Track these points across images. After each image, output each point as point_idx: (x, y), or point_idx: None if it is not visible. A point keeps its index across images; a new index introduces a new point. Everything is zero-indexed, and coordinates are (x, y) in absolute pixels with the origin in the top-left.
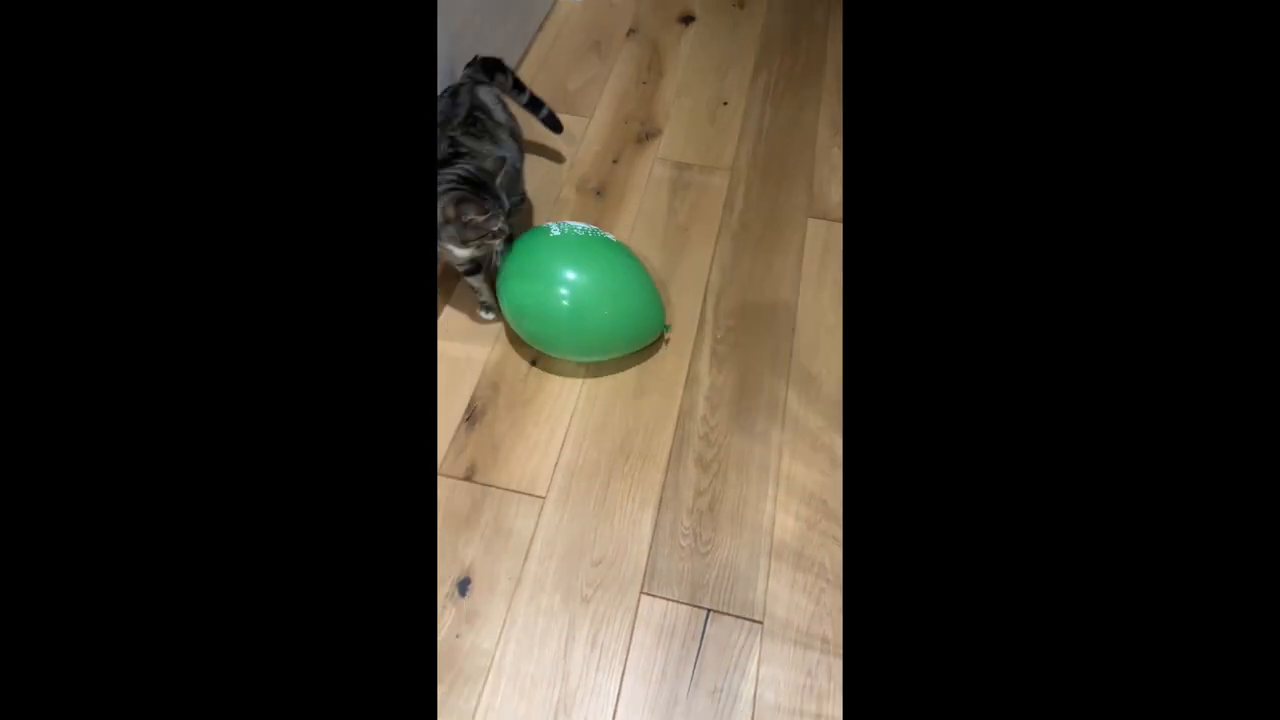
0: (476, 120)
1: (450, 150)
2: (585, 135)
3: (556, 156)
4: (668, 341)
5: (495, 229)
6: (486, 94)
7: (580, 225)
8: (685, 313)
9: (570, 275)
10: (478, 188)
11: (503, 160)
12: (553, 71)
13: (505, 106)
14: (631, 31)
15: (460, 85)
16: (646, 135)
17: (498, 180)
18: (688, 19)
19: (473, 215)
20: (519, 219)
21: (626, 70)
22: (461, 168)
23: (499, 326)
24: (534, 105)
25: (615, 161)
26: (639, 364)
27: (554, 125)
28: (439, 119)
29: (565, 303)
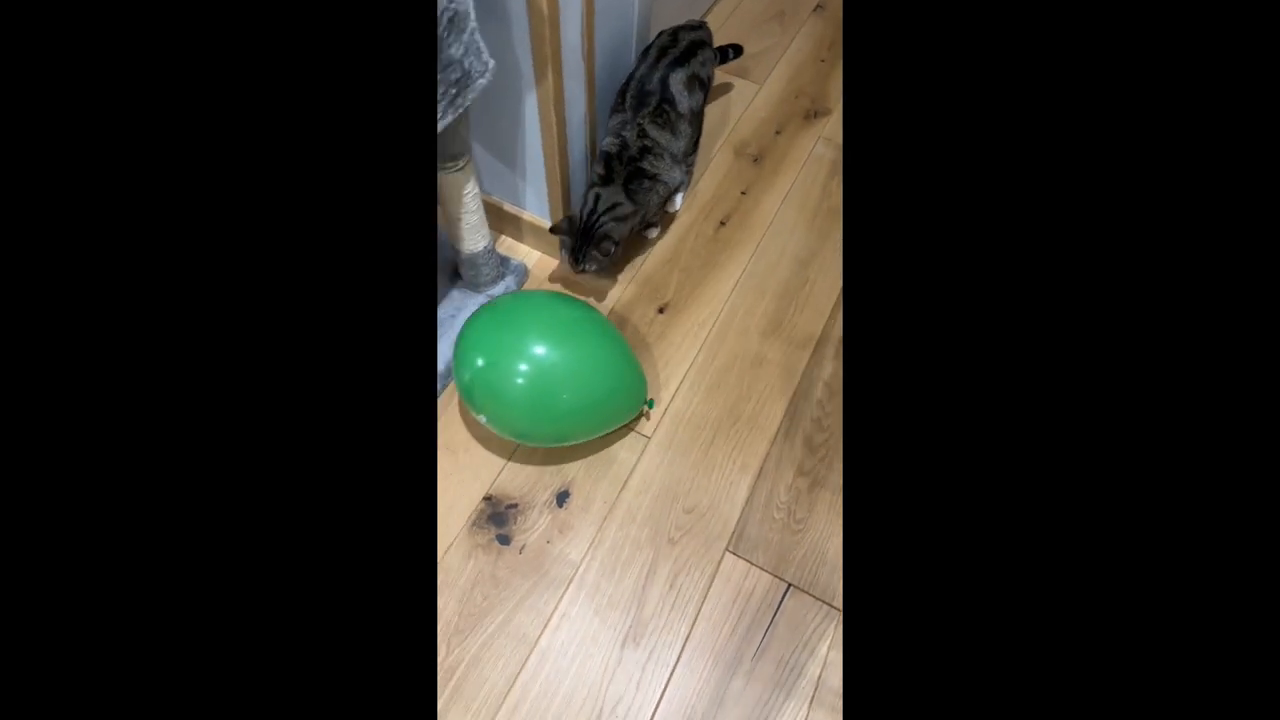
0: (664, 112)
1: (640, 143)
2: (753, 102)
3: (720, 116)
4: (647, 417)
5: (594, 265)
6: (677, 84)
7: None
8: (821, 295)
9: (534, 350)
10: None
11: (667, 186)
12: (731, 35)
13: (689, 92)
14: (819, 7)
15: (655, 64)
16: (815, 113)
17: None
18: None
19: (607, 243)
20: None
21: (806, 45)
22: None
23: (633, 269)
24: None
25: (778, 133)
26: (763, 334)
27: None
28: (628, 102)
29: (521, 381)
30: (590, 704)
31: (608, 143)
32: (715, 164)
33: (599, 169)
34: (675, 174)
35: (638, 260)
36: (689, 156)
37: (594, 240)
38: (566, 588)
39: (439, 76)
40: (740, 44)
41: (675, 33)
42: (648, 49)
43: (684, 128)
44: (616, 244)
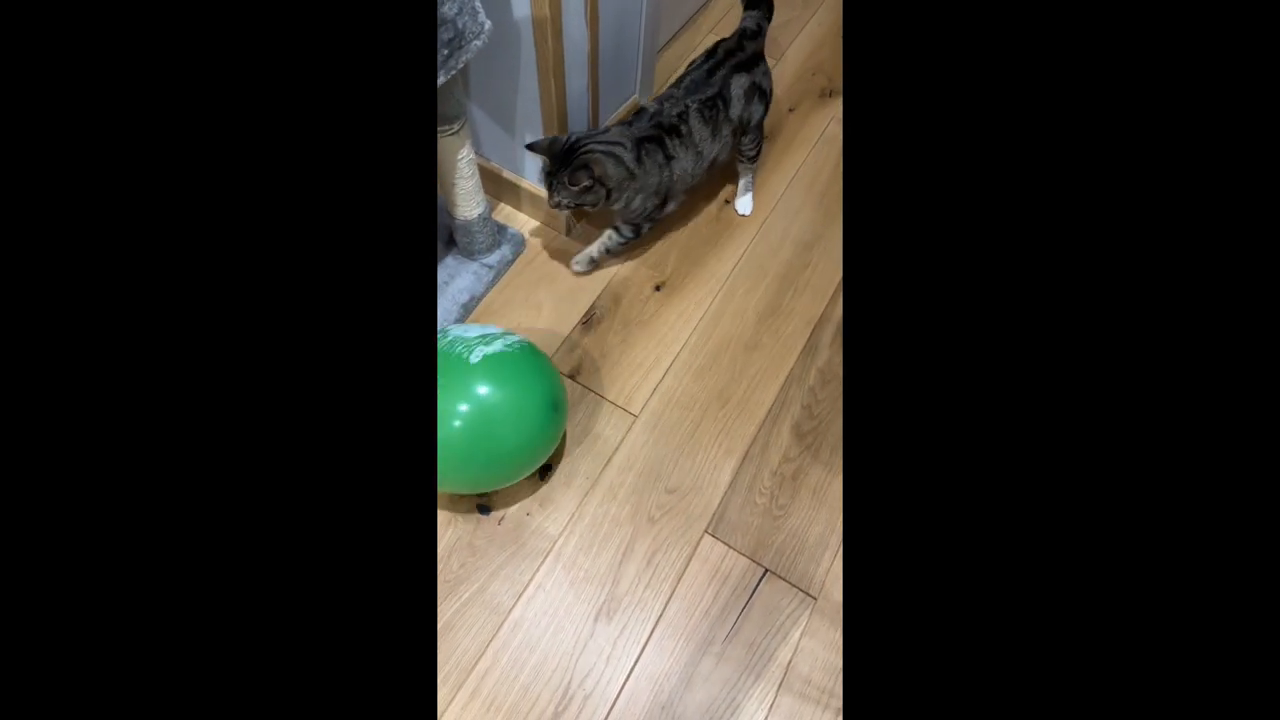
0: (716, 106)
1: (674, 120)
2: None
3: None
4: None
5: (564, 198)
6: (738, 87)
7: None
8: (823, 279)
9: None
10: (623, 162)
11: (681, 172)
12: None
13: (747, 100)
14: None
15: (721, 64)
16: (830, 92)
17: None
18: None
19: (583, 178)
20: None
21: (828, 20)
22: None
23: (631, 245)
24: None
25: (791, 110)
26: (760, 317)
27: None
28: (684, 86)
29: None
30: (560, 675)
31: (648, 101)
32: None
33: (629, 118)
34: (687, 172)
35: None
36: (716, 164)
37: (572, 166)
38: (543, 560)
39: None
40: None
41: (740, 38)
42: (713, 49)
43: (726, 133)
44: (594, 182)
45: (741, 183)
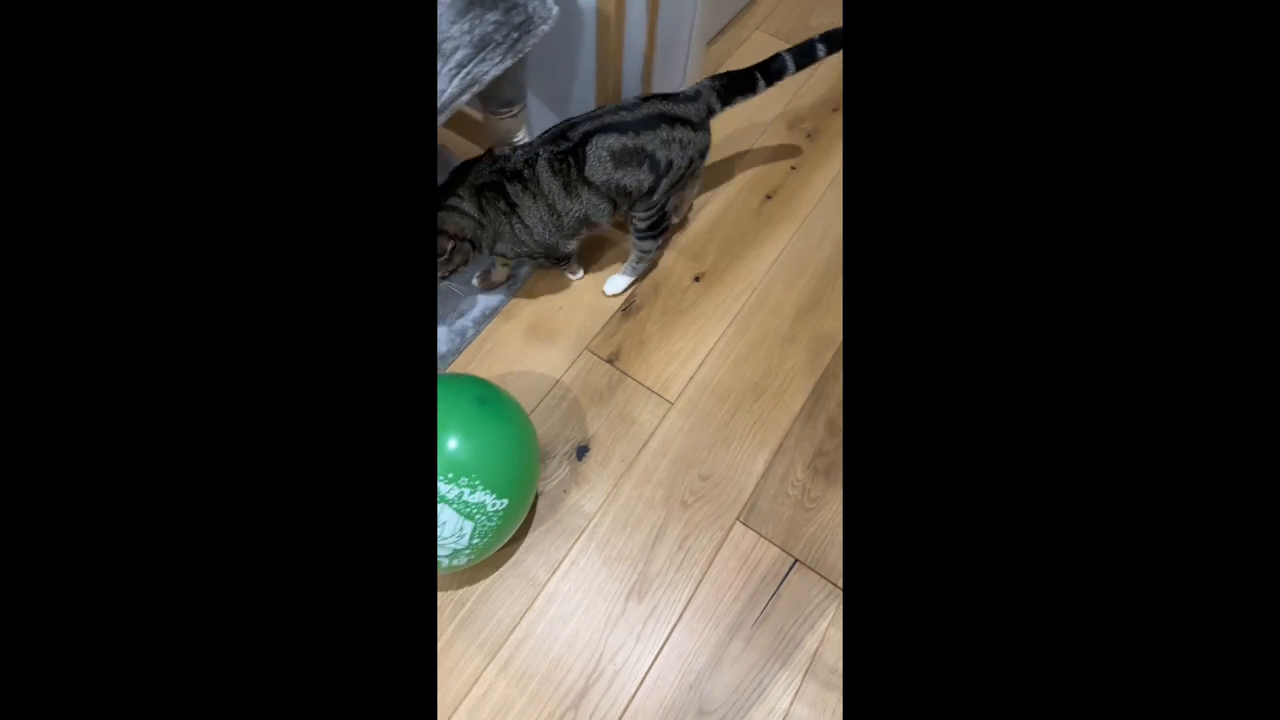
0: (566, 162)
1: (519, 166)
2: (813, 75)
3: (778, 88)
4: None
5: (443, 270)
6: (603, 146)
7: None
8: None
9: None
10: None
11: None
12: (795, 5)
13: (618, 165)
14: None
15: (599, 119)
16: None
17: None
18: None
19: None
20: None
21: None
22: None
23: (675, 237)
24: (806, 57)
25: (835, 110)
26: (798, 313)
27: (830, 45)
28: (550, 132)
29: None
30: (590, 649)
31: (506, 147)
32: (767, 135)
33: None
34: (547, 236)
35: (678, 226)
36: (583, 231)
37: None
38: (578, 538)
39: (501, 18)
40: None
41: (667, 96)
42: (649, 98)
43: (590, 197)
44: (455, 241)
45: (629, 260)
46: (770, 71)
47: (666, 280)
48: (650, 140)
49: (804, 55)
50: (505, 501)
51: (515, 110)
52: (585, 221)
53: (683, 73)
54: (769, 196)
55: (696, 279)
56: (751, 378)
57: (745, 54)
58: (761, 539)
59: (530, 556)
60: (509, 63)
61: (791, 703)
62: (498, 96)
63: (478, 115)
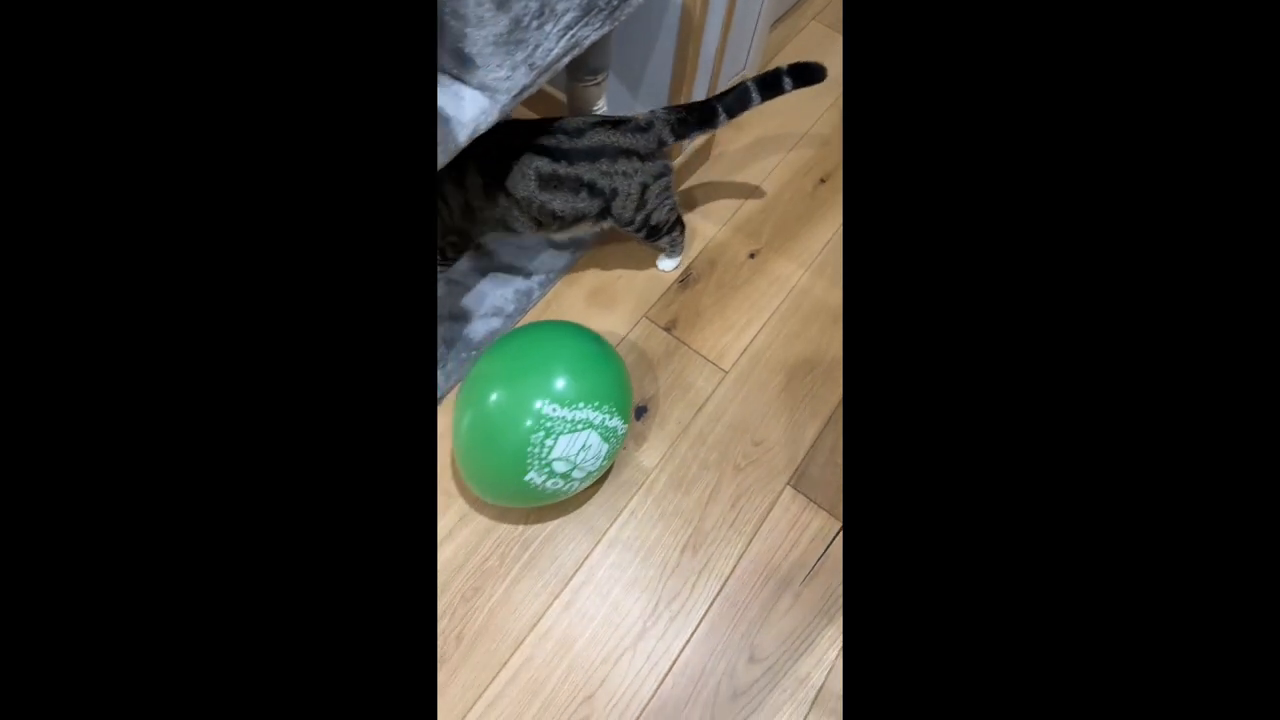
0: (493, 172)
1: (462, 161)
2: None
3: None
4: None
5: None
6: (529, 166)
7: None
8: None
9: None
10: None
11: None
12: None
13: (543, 186)
14: None
15: (536, 134)
16: None
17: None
18: None
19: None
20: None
21: None
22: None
23: (730, 210)
24: (771, 89)
25: None
26: None
27: (811, 76)
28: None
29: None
30: (648, 595)
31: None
32: (825, 120)
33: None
34: (458, 216)
35: (735, 204)
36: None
37: None
38: (636, 491)
39: None
40: (823, 66)
41: (617, 124)
42: (613, 121)
43: (510, 207)
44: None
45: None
46: (733, 103)
47: (722, 255)
48: (588, 171)
49: (769, 87)
50: (626, 426)
51: (599, 79)
52: (502, 224)
53: (746, 55)
54: (823, 180)
55: (751, 255)
56: (803, 353)
57: (801, 43)
58: (811, 503)
59: (591, 506)
60: (607, 28)
61: (838, 656)
62: (587, 64)
63: (553, 90)
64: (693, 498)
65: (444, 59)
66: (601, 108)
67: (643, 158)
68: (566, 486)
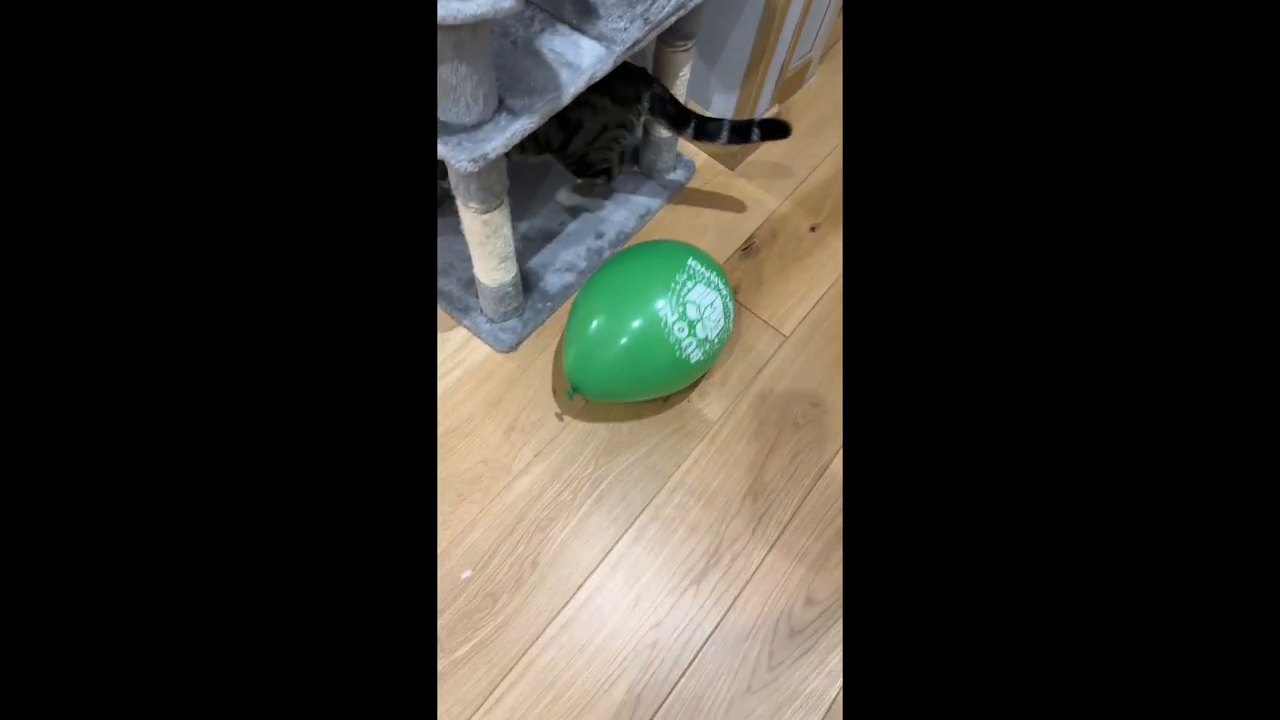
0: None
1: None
2: None
3: None
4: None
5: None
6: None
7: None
8: None
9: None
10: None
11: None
12: None
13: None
14: None
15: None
16: None
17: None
18: None
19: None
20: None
21: None
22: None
23: (793, 184)
24: (740, 135)
25: None
26: None
27: (777, 132)
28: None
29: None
30: (711, 537)
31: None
32: None
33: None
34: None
35: (797, 180)
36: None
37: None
38: (700, 441)
39: None
40: (789, 125)
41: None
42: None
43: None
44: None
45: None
46: (703, 127)
47: (784, 227)
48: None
49: (739, 133)
50: (729, 328)
51: (689, 45)
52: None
53: (816, 33)
54: None
55: (812, 229)
56: None
57: None
58: None
59: (657, 453)
60: None
61: None
62: (681, 28)
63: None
64: (753, 451)
65: (566, 10)
66: (685, 75)
67: (614, 99)
68: (684, 340)
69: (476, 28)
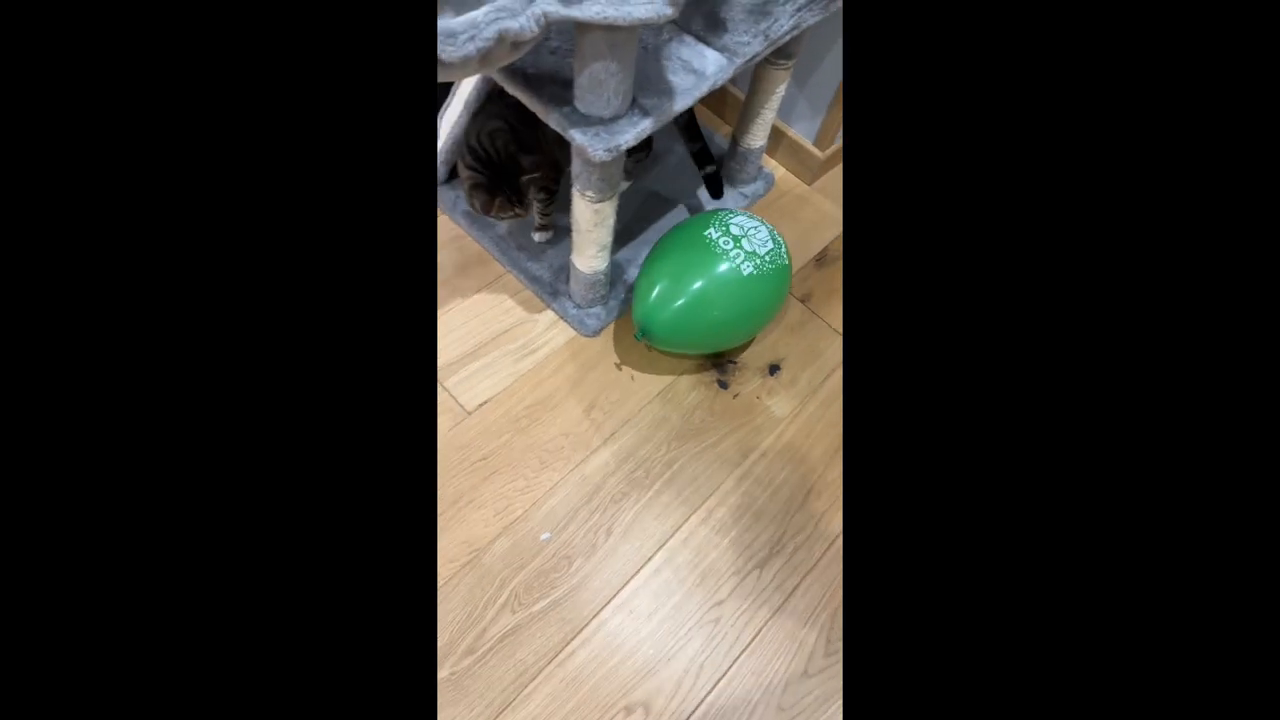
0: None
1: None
2: None
3: None
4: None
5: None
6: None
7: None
8: None
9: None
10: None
11: None
12: None
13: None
14: None
15: None
16: None
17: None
18: None
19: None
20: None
21: None
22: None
23: None
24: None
25: None
26: None
27: (712, 187)
28: None
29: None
30: (775, 527)
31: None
32: None
33: None
34: None
35: None
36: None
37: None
38: (767, 436)
39: None
40: (722, 187)
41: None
42: None
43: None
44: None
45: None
46: (702, 154)
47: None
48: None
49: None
50: (784, 262)
51: (789, 64)
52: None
53: None
54: None
55: None
56: None
57: None
58: None
59: (726, 442)
60: (822, 16)
61: None
62: (785, 48)
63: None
64: (819, 449)
65: (694, 22)
66: (780, 92)
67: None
68: (732, 251)
69: (633, 30)
